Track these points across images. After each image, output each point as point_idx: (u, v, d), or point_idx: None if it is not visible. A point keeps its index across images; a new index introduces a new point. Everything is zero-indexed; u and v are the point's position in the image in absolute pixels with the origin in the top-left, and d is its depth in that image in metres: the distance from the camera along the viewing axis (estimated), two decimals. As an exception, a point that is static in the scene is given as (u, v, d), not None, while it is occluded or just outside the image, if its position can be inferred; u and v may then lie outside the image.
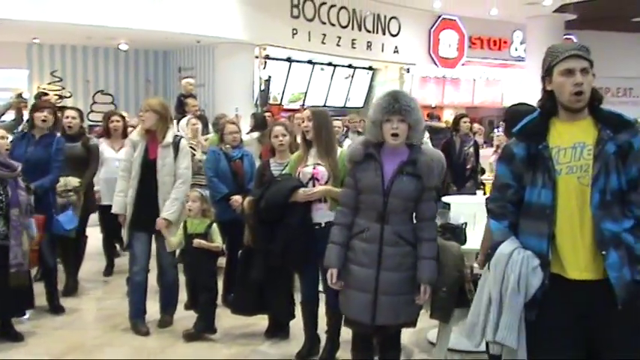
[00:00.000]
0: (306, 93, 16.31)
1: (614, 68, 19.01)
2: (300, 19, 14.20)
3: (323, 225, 4.25)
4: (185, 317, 5.06)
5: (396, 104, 3.33)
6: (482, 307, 2.66)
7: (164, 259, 5.11)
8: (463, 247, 3.97)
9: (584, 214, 2.49)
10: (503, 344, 2.58)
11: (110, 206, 6.23)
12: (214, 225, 4.92)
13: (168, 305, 5.18)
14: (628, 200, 2.51)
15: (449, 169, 5.76)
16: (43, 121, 5.42)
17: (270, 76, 14.09)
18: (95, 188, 6.46)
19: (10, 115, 7.71)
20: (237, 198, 5.49)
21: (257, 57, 13.69)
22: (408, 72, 17.15)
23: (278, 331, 4.94)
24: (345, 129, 9.76)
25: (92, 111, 14.25)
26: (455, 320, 3.90)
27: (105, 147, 6.42)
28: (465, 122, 8.07)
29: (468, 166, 7.96)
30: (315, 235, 4.26)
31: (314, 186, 4.29)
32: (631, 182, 2.51)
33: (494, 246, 2.67)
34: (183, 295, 5.16)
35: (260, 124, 8.33)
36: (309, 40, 14.40)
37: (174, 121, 8.06)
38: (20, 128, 6.78)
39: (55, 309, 5.45)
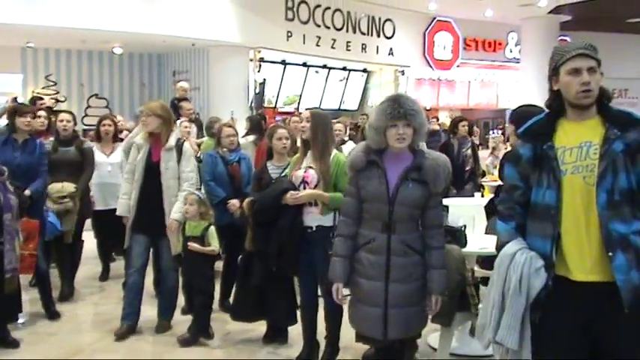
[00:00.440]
0: (300, 96, 16.29)
1: (609, 69, 18.68)
2: (294, 22, 14.16)
3: (314, 229, 4.23)
4: (183, 322, 5.01)
5: (401, 109, 3.22)
6: (489, 308, 2.62)
7: (165, 262, 5.08)
8: (464, 250, 3.94)
9: (591, 214, 2.45)
10: (502, 344, 2.55)
11: (103, 211, 6.30)
12: (211, 228, 4.88)
13: (166, 310, 5.14)
14: (638, 201, 2.46)
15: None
16: (27, 125, 5.38)
17: (265, 79, 14.04)
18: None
19: (2, 120, 7.64)
20: (234, 202, 5.46)
21: (251, 60, 13.65)
22: (403, 74, 17.12)
23: (277, 336, 4.89)
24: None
25: (87, 115, 14.19)
26: (456, 324, 3.87)
27: (96, 151, 6.37)
28: (463, 125, 8.06)
29: (467, 168, 7.96)
30: (307, 238, 4.23)
31: (304, 189, 4.25)
32: None
33: (500, 247, 2.64)
34: (181, 300, 5.14)
35: (256, 126, 8.28)
36: (304, 42, 14.35)
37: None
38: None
39: (52, 314, 5.39)
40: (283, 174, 4.61)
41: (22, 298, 5.00)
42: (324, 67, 16.40)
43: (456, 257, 3.72)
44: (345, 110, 16.94)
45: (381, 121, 3.25)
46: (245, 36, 12.86)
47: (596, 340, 2.49)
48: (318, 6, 14.60)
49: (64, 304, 5.70)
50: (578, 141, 2.52)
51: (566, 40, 16.22)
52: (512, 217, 2.67)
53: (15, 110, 5.45)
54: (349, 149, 7.13)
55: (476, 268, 4.51)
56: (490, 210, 6.14)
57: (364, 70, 17.45)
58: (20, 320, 5.14)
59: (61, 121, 6.01)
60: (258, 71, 13.83)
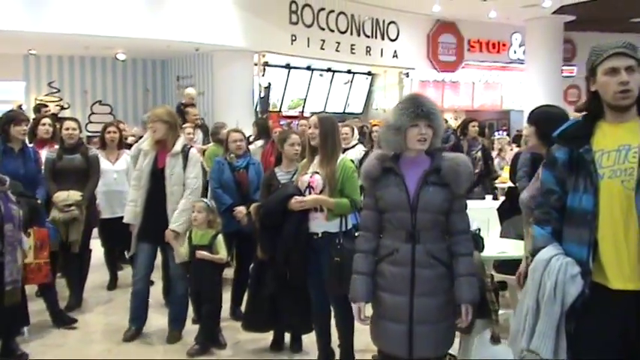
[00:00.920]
0: (305, 99, 16.23)
1: (613, 69, 18.88)
2: (298, 25, 14.08)
3: (320, 235, 4.16)
4: (194, 331, 4.91)
5: (424, 107, 3.04)
6: (522, 315, 2.54)
7: (173, 271, 5.04)
8: (482, 254, 3.83)
9: (630, 220, 2.36)
10: (536, 353, 2.45)
11: (110, 219, 6.23)
12: (219, 236, 4.81)
13: (176, 319, 5.07)
14: None
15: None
16: (23, 134, 5.37)
17: (270, 83, 13.97)
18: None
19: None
20: (240, 209, 5.39)
21: (256, 64, 13.58)
22: (408, 76, 17.05)
23: (281, 343, 4.82)
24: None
25: (90, 122, 14.14)
26: (476, 331, 3.75)
27: (101, 159, 6.28)
28: (473, 126, 7.95)
29: (476, 171, 7.82)
30: (313, 245, 4.15)
31: (310, 194, 4.17)
32: None
33: (535, 252, 2.55)
34: (192, 309, 5.05)
35: (263, 130, 8.23)
36: (308, 46, 14.27)
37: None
38: None
39: (64, 322, 5.32)
40: (292, 180, 4.52)
41: (28, 310, 4.91)
42: (329, 70, 16.35)
43: (475, 262, 3.60)
44: (350, 113, 16.89)
45: (402, 120, 3.04)
46: (249, 40, 12.78)
47: (635, 351, 2.39)
48: (322, 9, 14.53)
49: (74, 315, 5.60)
50: (617, 144, 2.42)
51: (571, 41, 16.16)
52: (548, 221, 2.58)
53: (9, 119, 5.37)
54: (358, 153, 7.12)
55: (493, 273, 4.42)
56: (502, 213, 6.06)
57: (368, 73, 17.40)
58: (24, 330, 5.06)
59: (67, 129, 5.92)
60: (263, 75, 13.76)
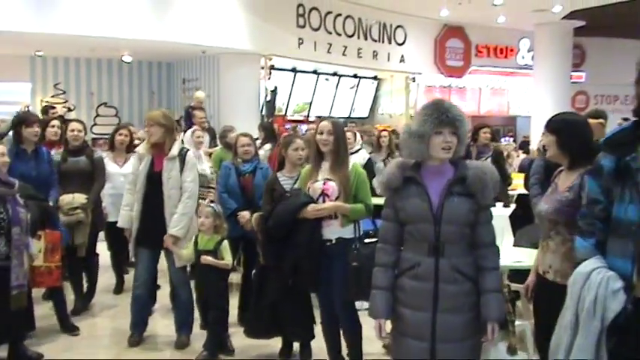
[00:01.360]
0: (310, 103, 16.17)
1: (622, 75, 18.71)
2: (305, 29, 14.03)
3: (334, 241, 4.08)
4: (203, 336, 4.84)
5: (449, 114, 2.89)
6: (562, 329, 2.46)
7: (175, 276, 4.99)
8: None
9: None
10: None
11: (116, 223, 6.09)
12: (225, 242, 4.76)
13: (183, 325, 5.03)
14: None
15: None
16: (35, 135, 5.33)
17: (276, 87, 13.90)
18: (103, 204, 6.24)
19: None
20: (244, 214, 5.33)
21: (262, 67, 13.51)
22: (414, 81, 16.97)
23: (303, 349, 4.73)
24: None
25: (95, 124, 14.10)
26: (493, 342, 3.65)
27: (108, 162, 6.21)
28: (484, 133, 7.80)
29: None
30: (326, 252, 4.07)
31: (324, 202, 4.09)
32: None
33: (577, 264, 2.47)
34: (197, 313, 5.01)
35: (270, 134, 8.16)
36: (315, 49, 14.23)
37: (182, 133, 7.93)
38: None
39: (69, 329, 5.25)
40: (295, 185, 4.46)
41: (34, 314, 4.87)
42: (335, 74, 16.28)
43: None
44: (356, 118, 16.82)
45: (426, 127, 2.88)
46: (256, 43, 12.72)
47: None
48: (330, 12, 14.48)
49: (81, 319, 5.57)
50: None
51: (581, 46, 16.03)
52: (592, 233, 2.49)
53: (20, 120, 5.31)
54: (361, 158, 7.02)
55: (506, 282, 4.32)
56: (514, 221, 5.97)
57: (375, 78, 17.35)
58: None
59: (72, 130, 5.86)
60: (269, 79, 13.70)
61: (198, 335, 4.94)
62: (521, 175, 7.90)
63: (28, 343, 4.77)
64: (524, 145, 15.06)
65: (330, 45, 14.50)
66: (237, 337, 4.93)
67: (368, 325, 4.14)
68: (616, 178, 2.40)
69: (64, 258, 5.31)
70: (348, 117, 16.65)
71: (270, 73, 13.73)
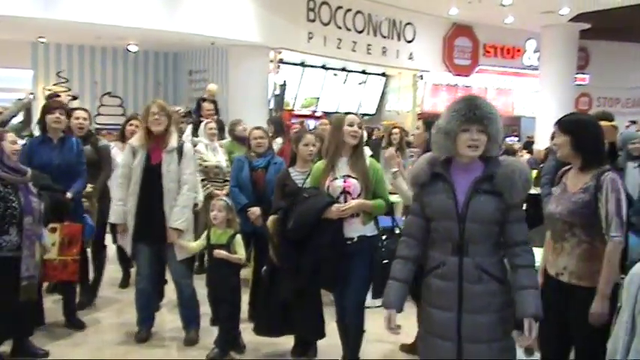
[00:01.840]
0: (318, 98, 16.06)
1: (625, 78, 18.82)
2: (315, 23, 13.91)
3: (355, 239, 3.99)
4: (212, 332, 4.72)
5: (477, 111, 2.77)
6: (618, 331, 2.39)
7: (176, 272, 4.88)
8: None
9: None
10: None
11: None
12: (238, 236, 4.64)
13: (190, 322, 4.92)
14: None
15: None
16: (56, 122, 5.11)
17: (285, 81, 13.79)
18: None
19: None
20: (254, 210, 5.23)
21: (271, 61, 13.36)
22: (422, 79, 16.90)
23: (306, 349, 4.63)
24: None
25: (99, 114, 13.95)
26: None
27: (117, 152, 6.06)
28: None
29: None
30: (347, 250, 3.96)
31: (345, 200, 3.97)
32: None
33: (632, 263, 2.39)
34: (208, 309, 4.82)
35: (280, 128, 8.03)
36: (325, 44, 14.11)
37: (190, 125, 7.80)
38: (27, 132, 6.46)
39: (75, 324, 5.13)
40: (306, 181, 4.37)
41: (43, 309, 4.76)
42: (343, 69, 16.18)
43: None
44: (363, 114, 16.71)
45: (453, 124, 2.79)
46: (265, 36, 12.59)
47: None
48: (340, 7, 14.36)
49: (88, 313, 5.46)
50: None
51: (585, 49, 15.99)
52: None
53: (44, 108, 5.17)
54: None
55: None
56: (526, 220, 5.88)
57: (383, 74, 17.26)
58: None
59: (77, 118, 5.69)
60: (277, 73, 13.57)
61: (208, 331, 4.82)
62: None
63: (35, 337, 4.63)
64: (529, 145, 15.06)
65: (340, 40, 14.39)
66: (248, 333, 4.80)
67: (368, 326, 4.13)
68: None
69: (84, 251, 5.22)
70: (356, 113, 16.54)
71: (279, 67, 13.59)
